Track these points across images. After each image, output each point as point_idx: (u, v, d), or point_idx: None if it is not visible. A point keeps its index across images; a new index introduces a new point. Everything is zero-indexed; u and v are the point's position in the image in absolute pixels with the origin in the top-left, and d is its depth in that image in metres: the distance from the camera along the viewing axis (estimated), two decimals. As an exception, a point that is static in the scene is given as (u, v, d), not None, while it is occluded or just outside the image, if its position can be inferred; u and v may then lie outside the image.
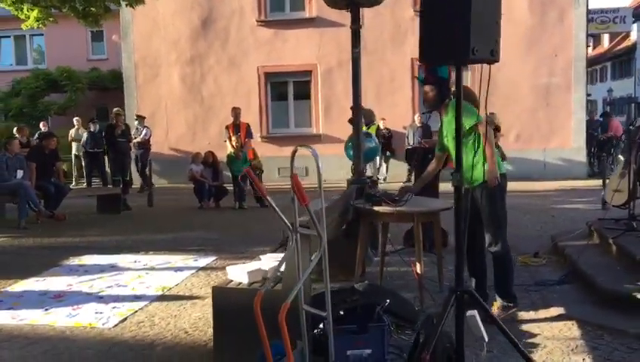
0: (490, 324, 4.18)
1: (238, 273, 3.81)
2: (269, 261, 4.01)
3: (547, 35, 14.51)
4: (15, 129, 12.20)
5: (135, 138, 12.79)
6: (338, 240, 5.29)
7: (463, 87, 6.60)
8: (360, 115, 6.09)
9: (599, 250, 5.80)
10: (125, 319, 4.50)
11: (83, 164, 14.75)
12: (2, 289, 5.37)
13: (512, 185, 12.73)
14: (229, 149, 10.86)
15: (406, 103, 15.15)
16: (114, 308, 4.76)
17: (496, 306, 4.35)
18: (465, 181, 4.53)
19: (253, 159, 11.52)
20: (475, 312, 3.27)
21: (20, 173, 8.80)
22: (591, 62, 42.12)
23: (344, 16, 15.71)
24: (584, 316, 4.30)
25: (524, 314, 4.45)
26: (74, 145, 15.45)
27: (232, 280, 3.83)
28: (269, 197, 3.24)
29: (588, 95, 27.15)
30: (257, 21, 15.39)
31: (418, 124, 14.23)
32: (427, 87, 4.56)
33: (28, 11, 12.96)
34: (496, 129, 12.35)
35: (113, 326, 4.33)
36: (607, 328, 4.06)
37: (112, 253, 6.81)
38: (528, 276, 5.53)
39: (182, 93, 15.77)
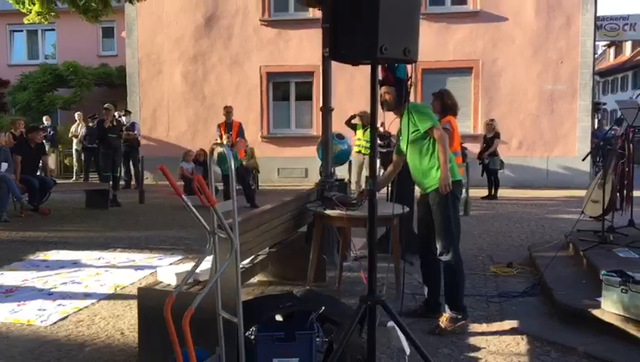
0: (435, 336, 4.08)
1: (167, 274, 3.69)
2: (207, 263, 3.89)
3: (553, 41, 14.20)
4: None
5: (129, 133, 12.75)
6: (296, 243, 5.17)
7: (443, 90, 6.45)
8: (328, 116, 5.95)
9: (571, 262, 5.60)
10: (66, 317, 4.41)
11: (82, 158, 14.90)
12: (-45, 283, 5.33)
13: (510, 193, 12.68)
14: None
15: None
16: (59, 305, 4.67)
17: (444, 317, 4.18)
18: (419, 187, 4.41)
19: (244, 158, 11.45)
20: (392, 323, 3.12)
21: (4, 166, 8.79)
22: (612, 71, 41.63)
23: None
24: (536, 331, 4.12)
25: (475, 326, 4.29)
26: (75, 139, 15.51)
27: (161, 282, 3.73)
28: (183, 196, 3.12)
29: (603, 104, 26.71)
30: (261, 20, 15.30)
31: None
32: (385, 88, 4.37)
33: (29, 5, 13.03)
34: (496, 135, 12.19)
35: (51, 324, 4.25)
36: (557, 344, 3.88)
37: (80, 248, 6.75)
38: (494, 286, 5.35)
39: (184, 90, 15.74)
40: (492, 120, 12.51)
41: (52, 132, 16.24)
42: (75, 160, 15.88)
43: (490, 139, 12.21)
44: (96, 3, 12.70)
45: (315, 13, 15.27)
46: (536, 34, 14.29)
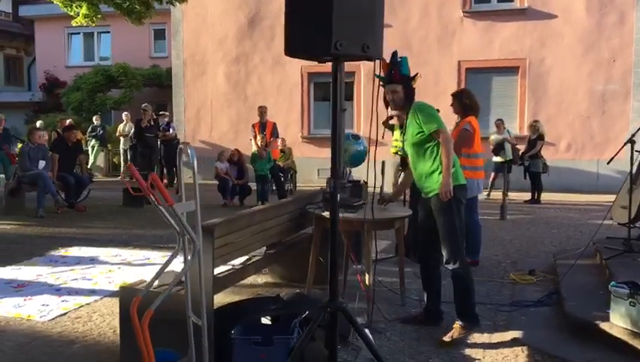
0: (428, 346, 3.91)
1: (150, 273, 3.67)
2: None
3: (605, 39, 13.57)
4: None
5: (165, 133, 12.95)
6: (301, 245, 5.07)
7: (462, 90, 6.21)
8: (340, 116, 5.81)
9: (594, 270, 5.27)
10: (66, 313, 4.46)
11: (129, 157, 15.27)
12: (-27, 276, 5.50)
13: (556, 197, 12.18)
14: (254, 148, 10.82)
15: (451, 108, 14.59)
16: (63, 301, 4.74)
17: (456, 328, 3.98)
18: (422, 190, 4.23)
19: (279, 158, 11.45)
20: (366, 330, 2.99)
21: (42, 164, 9.07)
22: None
23: (391, 17, 15.42)
24: (539, 343, 3.89)
25: (476, 337, 4.07)
26: (122, 139, 15.91)
27: (145, 281, 3.71)
28: (151, 196, 3.07)
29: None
30: (303, 20, 15.27)
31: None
32: (392, 86, 4.12)
33: (77, 8, 13.43)
34: (540, 137, 11.72)
35: (49, 320, 4.31)
36: (558, 358, 3.66)
37: (101, 245, 6.86)
38: (509, 295, 5.10)
39: (227, 91, 15.91)
40: (536, 121, 12.06)
41: (102, 131, 16.71)
42: (122, 158, 16.30)
43: (534, 140, 11.77)
44: (139, 5, 12.99)
45: (357, 12, 15.18)
46: (587, 31, 13.68)
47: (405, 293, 4.79)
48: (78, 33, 23.17)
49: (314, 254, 4.60)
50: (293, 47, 2.46)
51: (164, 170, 14.11)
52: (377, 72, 4.44)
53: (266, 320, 3.85)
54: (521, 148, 12.19)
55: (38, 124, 16.94)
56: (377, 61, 4.09)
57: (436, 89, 14.69)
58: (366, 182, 6.52)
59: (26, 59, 29.12)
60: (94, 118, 16.89)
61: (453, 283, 4.10)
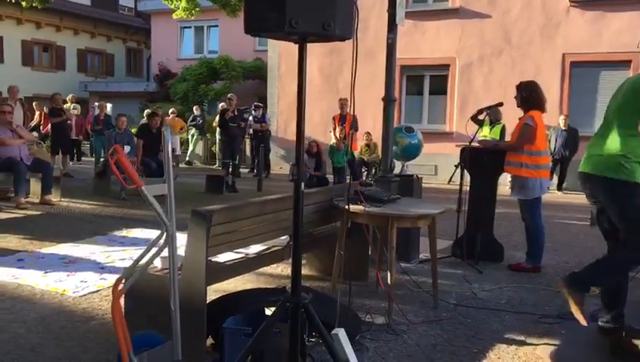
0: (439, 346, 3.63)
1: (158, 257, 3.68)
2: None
3: None
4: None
5: (262, 124, 13.28)
6: (332, 239, 4.91)
7: (525, 82, 5.74)
8: (391, 109, 5.58)
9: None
10: (98, 291, 4.60)
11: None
12: (35, 250, 5.83)
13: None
14: (332, 140, 10.74)
15: (552, 103, 13.64)
16: (101, 279, 4.90)
17: None
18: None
19: (361, 151, 11.30)
20: (341, 331, 2.80)
21: (127, 149, 9.50)
22: None
23: (490, 7, 14.70)
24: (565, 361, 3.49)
25: (502, 348, 3.73)
26: (218, 128, 16.41)
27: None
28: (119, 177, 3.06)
29: None
30: (398, 12, 14.95)
31: (563, 127, 12.87)
32: None
33: (177, 2, 14.03)
34: None
35: (80, 296, 4.45)
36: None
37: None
38: (559, 306, 4.63)
39: (319, 83, 15.95)
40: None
41: (201, 121, 17.33)
42: (218, 148, 16.83)
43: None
44: (232, -3, 13.39)
45: (454, 2, 14.64)
46: None
47: (438, 296, 4.51)
48: (190, 27, 24.25)
49: (339, 248, 4.43)
50: (252, 26, 2.31)
51: (256, 161, 14.47)
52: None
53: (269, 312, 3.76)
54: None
55: (145, 113, 17.93)
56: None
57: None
58: (420, 177, 6.24)
59: (145, 51, 30.99)
60: (194, 108, 17.57)
61: None
